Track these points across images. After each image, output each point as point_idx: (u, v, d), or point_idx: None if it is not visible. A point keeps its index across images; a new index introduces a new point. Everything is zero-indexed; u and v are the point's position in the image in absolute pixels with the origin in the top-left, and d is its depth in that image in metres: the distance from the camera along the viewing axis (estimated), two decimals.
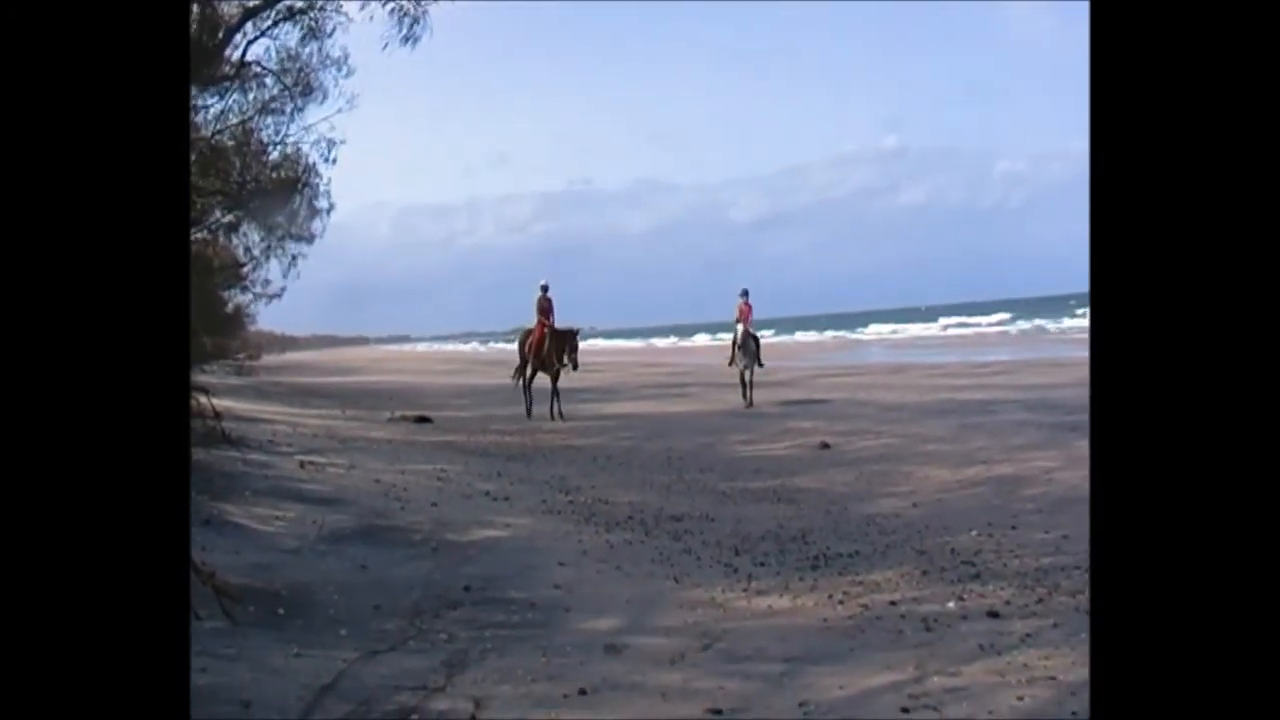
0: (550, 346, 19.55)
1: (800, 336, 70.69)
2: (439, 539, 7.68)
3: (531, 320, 20.33)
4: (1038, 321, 61.04)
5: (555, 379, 19.50)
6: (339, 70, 16.43)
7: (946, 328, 68.32)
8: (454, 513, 8.81)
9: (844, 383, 25.47)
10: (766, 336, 22.51)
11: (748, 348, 20.86)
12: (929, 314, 79.49)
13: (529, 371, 20.00)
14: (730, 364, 21.32)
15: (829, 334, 72.33)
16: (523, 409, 19.34)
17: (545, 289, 20.30)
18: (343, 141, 17.55)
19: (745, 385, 20.67)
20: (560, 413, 19.10)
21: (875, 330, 72.49)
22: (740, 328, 20.95)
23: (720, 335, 55.68)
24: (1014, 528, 7.93)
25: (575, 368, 19.60)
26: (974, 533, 7.83)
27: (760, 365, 21.21)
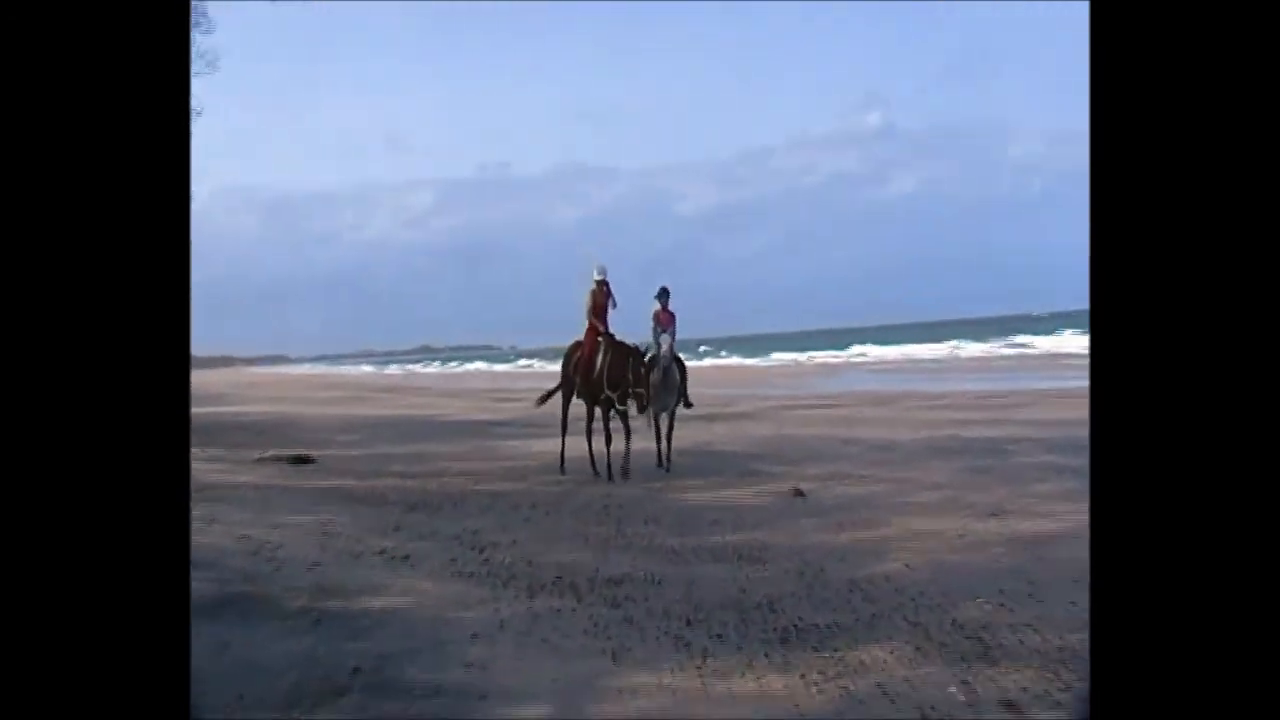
0: (605, 364, 15.40)
1: (735, 360, 72.19)
2: (321, 609, 7.60)
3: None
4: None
5: (618, 414, 15.54)
6: (196, 25, 16.42)
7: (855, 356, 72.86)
8: (341, 576, 8.74)
9: (823, 415, 25.64)
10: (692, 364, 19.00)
11: (669, 378, 16.09)
12: (841, 339, 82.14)
13: (577, 401, 16.10)
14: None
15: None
16: (422, 448, 18.94)
17: (603, 279, 15.84)
18: (199, 113, 17.51)
19: (660, 437, 16.41)
20: (626, 470, 15.45)
21: (778, 357, 77.09)
22: (666, 339, 16.19)
23: None
24: (1032, 596, 8.02)
25: (640, 408, 15.62)
26: (982, 601, 7.90)
27: (689, 405, 16.91)
